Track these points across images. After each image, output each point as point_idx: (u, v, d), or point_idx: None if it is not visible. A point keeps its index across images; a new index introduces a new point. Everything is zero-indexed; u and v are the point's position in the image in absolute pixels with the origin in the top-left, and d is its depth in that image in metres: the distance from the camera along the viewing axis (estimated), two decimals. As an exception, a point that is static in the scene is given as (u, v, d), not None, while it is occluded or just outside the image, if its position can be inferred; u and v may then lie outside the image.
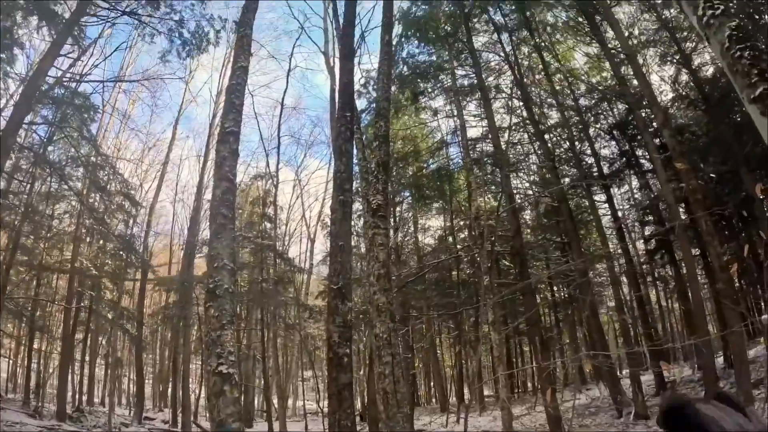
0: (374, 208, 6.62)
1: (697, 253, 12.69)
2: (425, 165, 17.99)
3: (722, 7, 4.39)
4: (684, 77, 13.89)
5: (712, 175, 12.59)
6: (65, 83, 12.25)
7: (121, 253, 17.67)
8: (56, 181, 14.40)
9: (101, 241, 18.27)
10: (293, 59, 19.03)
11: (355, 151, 7.81)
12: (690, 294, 11.62)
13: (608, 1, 12.74)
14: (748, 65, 3.85)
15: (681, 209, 11.65)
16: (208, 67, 27.98)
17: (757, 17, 10.02)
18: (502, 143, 13.39)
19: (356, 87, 14.41)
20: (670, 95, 14.55)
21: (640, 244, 17.52)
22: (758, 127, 3.71)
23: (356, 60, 11.69)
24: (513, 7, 14.64)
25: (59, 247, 17.32)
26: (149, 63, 19.94)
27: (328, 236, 10.30)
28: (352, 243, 10.23)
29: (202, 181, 19.14)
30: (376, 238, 7.02)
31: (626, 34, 13.10)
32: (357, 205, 13.43)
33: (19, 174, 13.85)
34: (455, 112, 15.88)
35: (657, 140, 11.96)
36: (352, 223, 10.43)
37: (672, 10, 12.45)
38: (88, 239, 17.94)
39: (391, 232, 13.20)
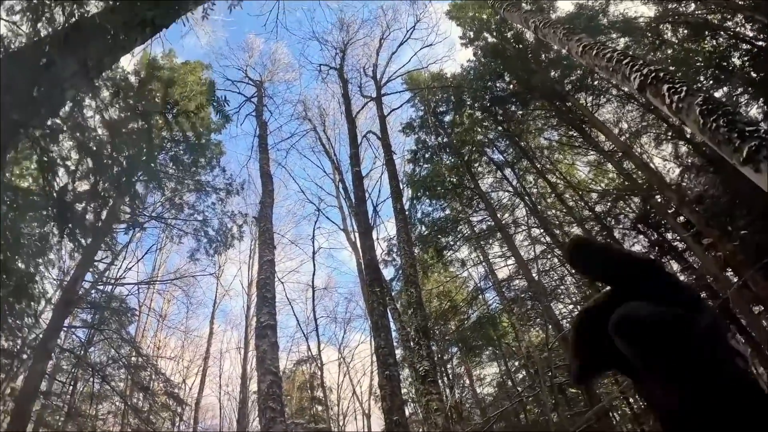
0: (422, 375, 6.32)
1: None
2: (465, 317, 17.23)
3: (685, 87, 4.46)
4: (683, 148, 13.86)
5: (743, 231, 11.98)
6: (101, 287, 12.78)
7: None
8: (98, 382, 14.28)
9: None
10: (316, 241, 19.00)
11: (392, 322, 7.74)
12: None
13: (590, 108, 13.55)
14: (727, 132, 3.82)
15: (729, 275, 10.91)
16: (236, 260, 28.53)
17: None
18: (534, 275, 13.11)
19: (382, 257, 14.94)
20: (677, 170, 14.53)
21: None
22: (758, 184, 3.61)
23: (375, 233, 11.91)
24: (507, 142, 15.39)
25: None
26: (180, 262, 20.86)
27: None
28: (409, 410, 9.45)
29: (245, 372, 18.78)
30: (430, 405, 6.57)
31: (616, 131, 13.62)
32: (406, 371, 12.53)
33: (61, 375, 13.90)
34: (482, 258, 15.85)
35: (681, 217, 11.62)
36: (404, 390, 9.78)
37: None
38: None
39: (447, 391, 12.21)
